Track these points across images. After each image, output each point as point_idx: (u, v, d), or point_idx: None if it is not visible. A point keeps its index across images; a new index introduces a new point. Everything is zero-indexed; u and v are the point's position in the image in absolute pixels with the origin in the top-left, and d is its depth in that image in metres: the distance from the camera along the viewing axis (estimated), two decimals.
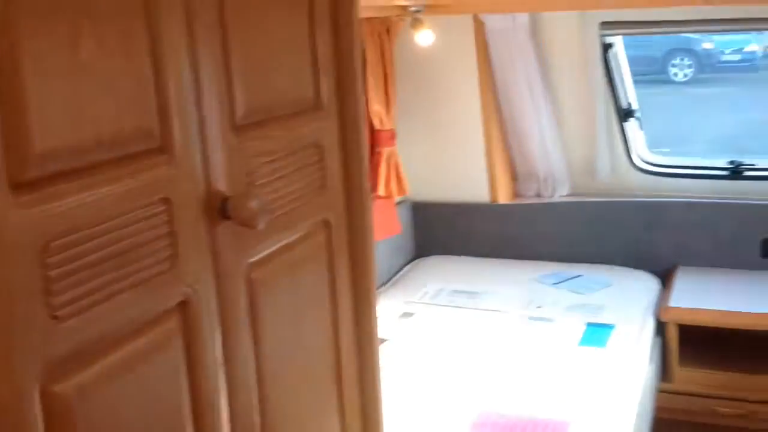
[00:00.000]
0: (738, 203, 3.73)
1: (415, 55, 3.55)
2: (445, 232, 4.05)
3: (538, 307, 3.33)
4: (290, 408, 1.20)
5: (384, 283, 3.74)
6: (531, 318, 3.23)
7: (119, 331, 0.84)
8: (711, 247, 3.73)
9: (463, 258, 3.96)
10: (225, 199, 0.99)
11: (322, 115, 1.24)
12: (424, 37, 3.28)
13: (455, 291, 3.52)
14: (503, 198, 3.98)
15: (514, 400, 2.57)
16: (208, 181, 0.97)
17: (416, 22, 3.25)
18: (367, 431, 1.43)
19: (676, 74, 11.14)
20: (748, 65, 11.28)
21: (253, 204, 0.99)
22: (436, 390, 2.66)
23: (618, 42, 3.74)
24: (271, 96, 1.12)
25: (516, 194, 4.11)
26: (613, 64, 3.75)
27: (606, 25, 3.57)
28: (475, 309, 3.33)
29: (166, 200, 0.89)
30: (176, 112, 0.90)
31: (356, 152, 1.30)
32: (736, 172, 3.89)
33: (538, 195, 4.05)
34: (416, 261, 4.02)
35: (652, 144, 4.05)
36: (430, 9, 3.22)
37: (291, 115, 1.16)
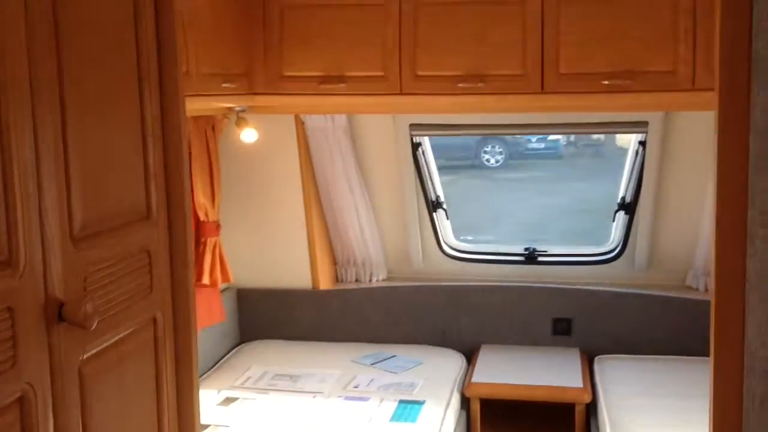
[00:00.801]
0: (532, 286, 4.16)
1: (242, 149, 3.74)
2: (269, 317, 4.20)
3: (355, 387, 3.53)
4: None
5: (208, 369, 3.81)
6: (348, 398, 3.41)
7: None
8: (509, 327, 4.11)
9: (286, 342, 4.11)
10: (61, 304, 1.12)
11: (152, 223, 1.40)
12: (248, 135, 3.49)
13: (277, 375, 3.66)
14: (324, 284, 4.20)
15: None
16: (47, 289, 1.10)
17: (241, 121, 3.45)
18: None
19: (488, 160, 12.01)
20: (552, 152, 12.40)
21: (87, 308, 1.13)
22: None
23: (425, 142, 4.14)
24: (106, 208, 1.27)
25: (336, 280, 4.35)
26: (421, 161, 4.13)
27: (414, 126, 3.96)
28: (296, 391, 3.47)
29: (9, 309, 1.01)
30: (22, 229, 1.04)
31: (182, 256, 1.46)
32: (530, 257, 4.35)
33: (357, 280, 4.31)
34: (240, 346, 4.12)
35: (468, 227, 4.43)
36: (254, 108, 3.44)
37: (123, 225, 1.32)
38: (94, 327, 1.13)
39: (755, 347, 1.44)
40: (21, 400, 1.05)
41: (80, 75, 1.18)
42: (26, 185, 1.05)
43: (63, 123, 1.14)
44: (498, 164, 12.14)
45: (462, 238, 4.50)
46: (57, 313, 1.11)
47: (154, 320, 1.41)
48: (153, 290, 1.40)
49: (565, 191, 11.14)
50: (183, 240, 1.46)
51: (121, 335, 1.31)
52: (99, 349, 1.24)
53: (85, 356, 1.20)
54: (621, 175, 4.25)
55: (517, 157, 12.32)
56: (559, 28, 3.14)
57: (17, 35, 1.04)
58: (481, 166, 11.92)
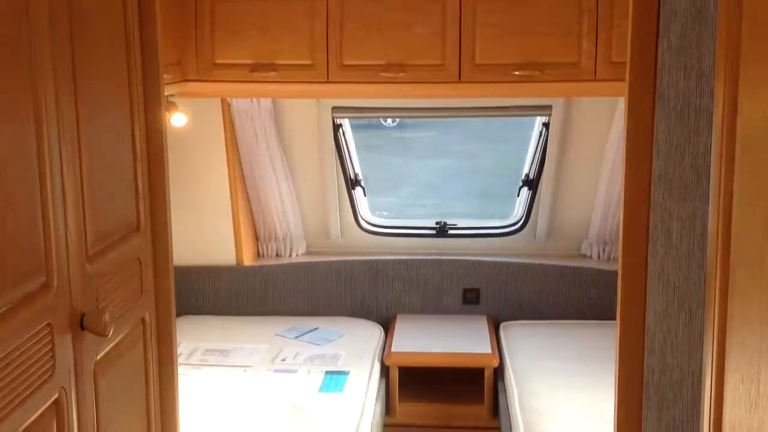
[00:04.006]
0: (443, 259, 4.44)
1: (168, 128, 3.81)
2: (195, 293, 4.32)
3: (282, 360, 3.73)
4: None
5: None
6: (277, 371, 3.61)
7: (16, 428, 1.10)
8: (422, 297, 4.40)
9: (212, 317, 4.25)
10: (82, 315, 1.27)
11: (141, 234, 1.56)
12: (178, 119, 3.57)
13: (208, 350, 3.80)
14: (248, 260, 4.36)
15: None
16: (71, 303, 1.25)
17: (170, 106, 3.53)
18: None
19: (385, 119, 12.16)
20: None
21: (106, 318, 1.28)
22: None
23: (346, 123, 4.33)
24: (108, 225, 1.42)
25: (258, 255, 4.51)
26: (342, 141, 4.32)
27: (336, 109, 4.14)
28: (227, 366, 3.63)
29: (49, 325, 1.17)
30: (55, 253, 1.19)
31: (165, 261, 1.62)
32: (441, 231, 4.63)
33: (278, 255, 4.49)
34: None
35: (371, 189, 4.65)
36: (183, 93, 3.52)
37: (121, 239, 1.47)
38: (110, 334, 1.29)
39: (654, 331, 1.73)
40: (56, 402, 1.21)
41: (88, 95, 1.32)
42: (57, 211, 1.20)
43: (79, 150, 1.28)
44: (395, 123, 12.37)
45: (378, 213, 4.73)
46: (80, 324, 1.26)
47: (143, 320, 1.58)
48: (143, 294, 1.56)
49: (460, 151, 11.52)
50: (165, 247, 1.63)
51: (120, 336, 1.47)
52: (106, 350, 1.40)
53: (97, 357, 1.36)
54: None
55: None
56: (476, 22, 3.38)
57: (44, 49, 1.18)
58: (378, 126, 12.11)
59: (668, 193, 1.59)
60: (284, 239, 4.46)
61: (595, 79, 3.42)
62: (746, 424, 1.07)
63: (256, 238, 4.51)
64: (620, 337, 1.77)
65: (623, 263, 1.74)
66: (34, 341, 1.13)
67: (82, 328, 1.27)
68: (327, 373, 3.58)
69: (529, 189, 4.51)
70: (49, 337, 1.17)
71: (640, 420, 1.76)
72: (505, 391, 3.72)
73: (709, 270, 1.18)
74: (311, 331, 4.10)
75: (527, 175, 4.52)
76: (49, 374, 1.18)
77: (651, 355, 1.74)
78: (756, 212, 1.04)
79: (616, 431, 1.83)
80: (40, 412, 1.16)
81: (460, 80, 3.44)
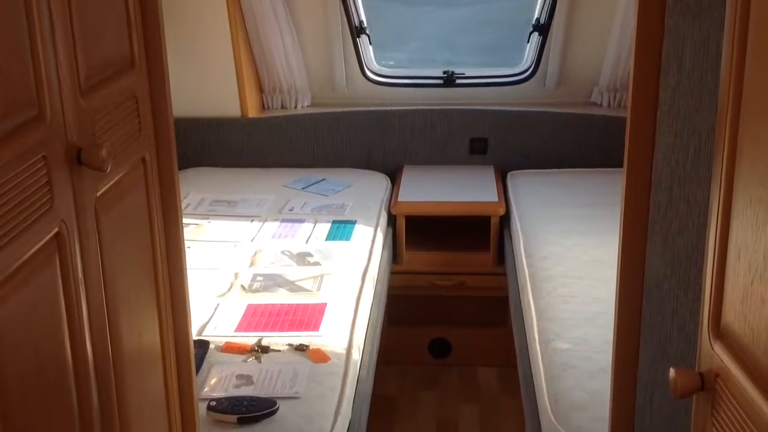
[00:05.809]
0: (451, 108, 4.38)
1: None
2: (202, 145, 4.30)
3: (290, 210, 3.75)
4: (123, 300, 1.50)
5: None
6: (284, 220, 3.64)
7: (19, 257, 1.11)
8: (429, 147, 4.37)
9: (218, 169, 4.25)
10: (79, 150, 1.25)
11: (136, 70, 1.51)
12: None
13: (215, 201, 3.83)
14: (252, 112, 4.31)
15: (278, 292, 3.00)
16: (67, 137, 1.23)
17: None
18: (176, 316, 1.77)
19: None
20: None
21: (103, 152, 1.26)
22: (206, 290, 2.99)
23: None
24: (101, 59, 1.38)
25: (263, 107, 4.45)
26: None
27: None
28: (235, 216, 3.67)
29: (44, 157, 1.15)
30: (46, 84, 1.15)
31: (163, 99, 1.58)
32: (449, 80, 4.54)
33: (283, 107, 4.44)
34: None
35: (378, 42, 4.53)
36: None
37: (115, 74, 1.43)
38: (109, 169, 1.28)
39: (662, 166, 1.70)
40: (57, 235, 1.21)
41: None
42: (45, 40, 1.15)
43: None
44: None
45: (384, 63, 4.63)
46: (77, 158, 1.24)
47: (143, 160, 1.56)
48: (141, 133, 1.53)
49: (467, 3, 11.10)
50: (162, 85, 1.58)
51: (120, 175, 1.45)
52: (106, 188, 1.39)
53: (98, 194, 1.35)
54: None
55: None
56: None
57: None
58: None
59: (682, 19, 1.52)
60: (289, 90, 4.40)
61: None
62: (752, 246, 1.06)
63: (261, 90, 4.44)
64: (627, 172, 1.75)
65: (633, 96, 1.69)
66: (29, 173, 1.11)
67: (80, 163, 1.25)
68: (334, 222, 3.62)
69: (540, 34, 4.38)
70: (45, 170, 1.16)
71: (644, 255, 1.76)
72: (510, 238, 3.75)
73: (721, 90, 1.14)
74: (318, 182, 4.11)
75: (538, 20, 4.38)
76: (47, 207, 1.17)
77: (657, 189, 1.72)
78: None
79: (619, 267, 1.83)
80: (41, 243, 1.16)
81: None
